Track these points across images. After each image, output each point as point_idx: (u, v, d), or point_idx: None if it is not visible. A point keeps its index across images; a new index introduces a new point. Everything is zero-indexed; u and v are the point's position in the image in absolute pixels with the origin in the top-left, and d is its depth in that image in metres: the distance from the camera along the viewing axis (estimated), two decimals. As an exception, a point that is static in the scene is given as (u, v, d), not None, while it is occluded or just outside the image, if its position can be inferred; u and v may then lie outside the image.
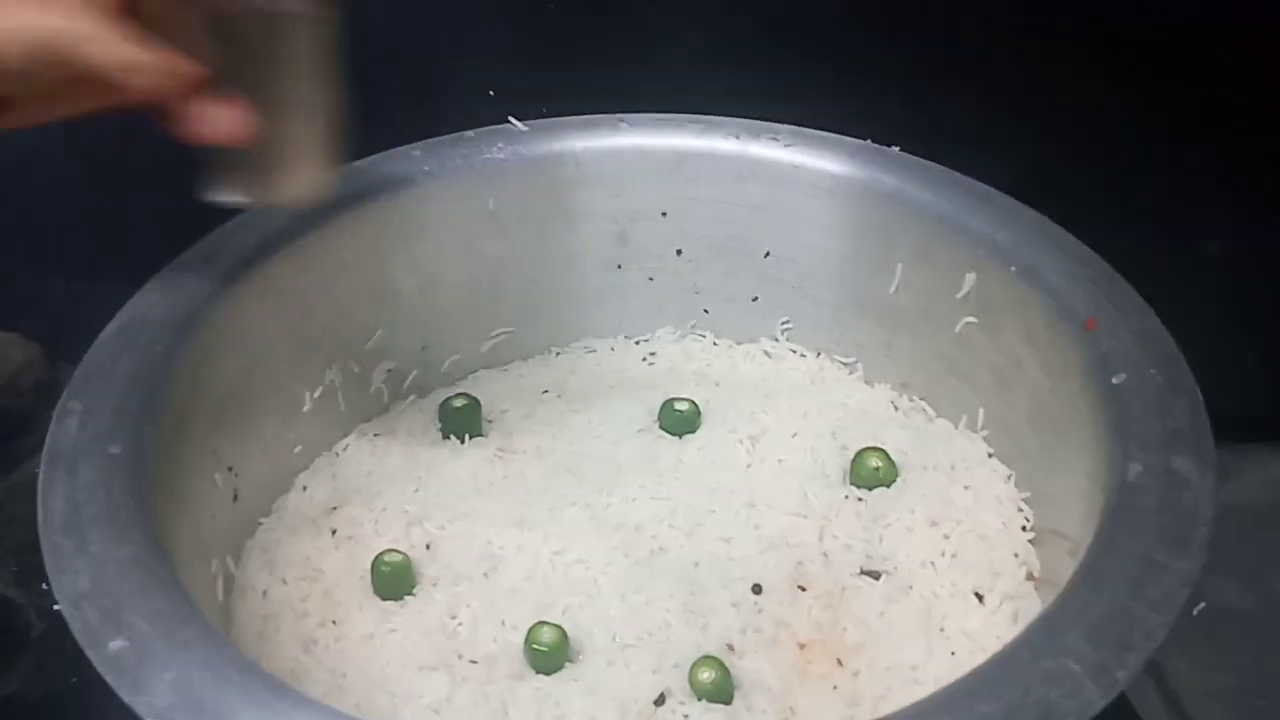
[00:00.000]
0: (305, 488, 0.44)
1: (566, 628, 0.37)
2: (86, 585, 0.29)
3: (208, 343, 0.39)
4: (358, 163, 0.45)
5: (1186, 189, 0.51)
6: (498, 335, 0.49)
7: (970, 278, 0.42)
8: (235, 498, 0.41)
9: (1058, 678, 0.26)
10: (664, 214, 0.48)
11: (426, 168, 0.46)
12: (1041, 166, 0.45)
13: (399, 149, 0.46)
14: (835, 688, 0.36)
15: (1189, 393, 0.34)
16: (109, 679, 0.26)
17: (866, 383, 0.48)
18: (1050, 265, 0.39)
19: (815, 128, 0.47)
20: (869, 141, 0.46)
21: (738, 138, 0.47)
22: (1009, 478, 0.42)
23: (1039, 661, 0.26)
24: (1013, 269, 0.40)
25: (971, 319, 0.43)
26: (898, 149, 0.45)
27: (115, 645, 0.27)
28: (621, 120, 0.48)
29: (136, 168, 0.57)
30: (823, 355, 0.49)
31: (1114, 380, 0.35)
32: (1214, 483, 0.30)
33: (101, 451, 0.33)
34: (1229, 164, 0.50)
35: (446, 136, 0.47)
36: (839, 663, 0.37)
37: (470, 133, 0.47)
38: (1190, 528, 0.30)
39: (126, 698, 0.26)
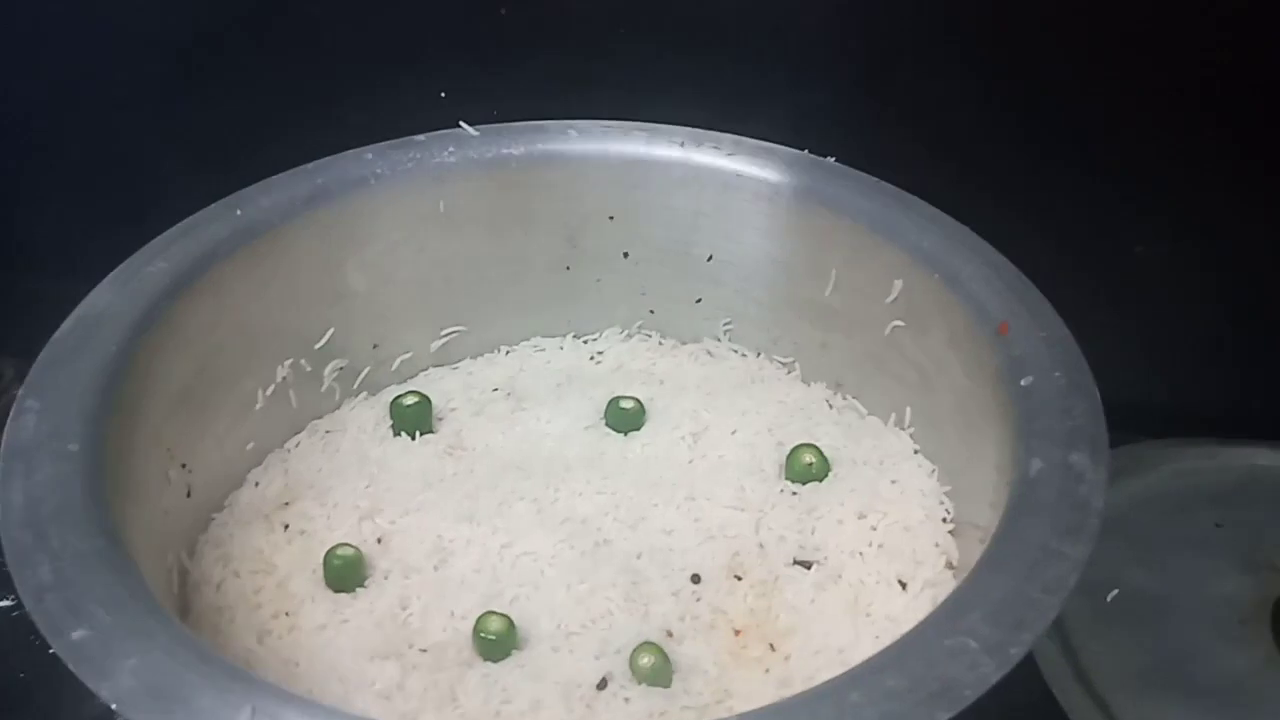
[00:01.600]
0: (257, 483, 0.45)
1: (513, 616, 0.39)
2: (48, 578, 0.30)
3: (161, 340, 0.39)
4: (309, 165, 0.46)
5: (1104, 196, 0.54)
6: (448, 334, 0.51)
7: (899, 284, 0.45)
8: (189, 493, 0.42)
9: (958, 654, 0.28)
10: (611, 218, 0.50)
11: (378, 170, 0.47)
12: (969, 176, 0.48)
13: (351, 151, 0.47)
14: (768, 670, 0.39)
15: (1089, 394, 0.36)
16: (72, 667, 0.27)
17: (803, 381, 0.50)
18: (971, 273, 0.42)
19: (756, 137, 0.49)
20: (806, 152, 0.48)
21: (682, 145, 0.49)
22: (932, 472, 0.45)
23: (943, 639, 0.29)
24: (937, 276, 0.43)
25: (900, 322, 0.45)
26: (834, 159, 0.48)
27: (78, 634, 0.28)
28: (570, 127, 0.49)
29: (83, 158, 0.58)
30: (762, 355, 0.51)
31: (1022, 382, 0.37)
32: (1106, 477, 0.33)
33: (59, 448, 0.33)
34: (1146, 173, 0.53)
35: (398, 140, 0.48)
36: (771, 647, 0.39)
37: (421, 136, 0.48)
38: (1083, 518, 0.32)
39: (90, 684, 0.27)
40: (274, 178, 0.46)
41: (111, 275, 0.40)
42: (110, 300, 0.39)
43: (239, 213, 0.44)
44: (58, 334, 0.38)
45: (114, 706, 0.26)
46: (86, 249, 0.41)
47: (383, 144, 0.48)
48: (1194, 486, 0.54)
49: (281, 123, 0.53)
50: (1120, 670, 0.46)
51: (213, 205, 0.44)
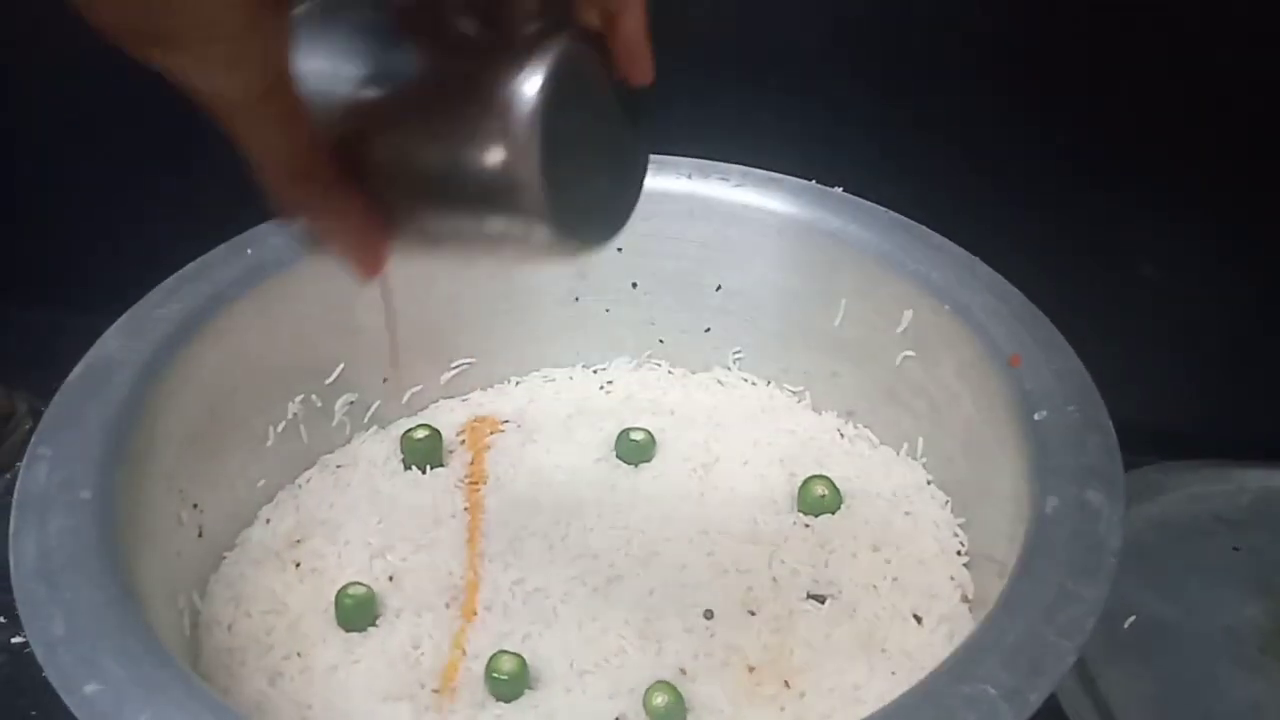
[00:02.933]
0: (269, 521, 0.45)
1: (526, 655, 0.39)
2: (60, 630, 0.30)
3: (171, 385, 0.40)
4: (320, 203, 0.46)
5: (1114, 217, 0.53)
6: (458, 366, 0.51)
7: (908, 314, 0.44)
8: (200, 534, 0.42)
9: (976, 701, 0.28)
10: (620, 249, 0.50)
11: (387, 206, 0.47)
12: (976, 206, 0.48)
13: (360, 188, 0.47)
14: (783, 709, 0.38)
15: (1103, 430, 0.36)
16: (85, 722, 0.28)
17: (814, 410, 0.50)
18: (980, 304, 0.42)
19: (763, 168, 0.49)
20: (814, 182, 0.48)
21: (689, 177, 0.49)
22: (946, 504, 0.45)
23: (959, 686, 0.28)
24: (946, 307, 0.43)
25: (910, 352, 0.45)
26: (841, 190, 0.48)
27: (90, 689, 0.28)
28: (577, 159, 0.49)
29: (103, 193, 0.58)
30: (773, 384, 0.51)
31: (1036, 416, 0.37)
32: (1123, 514, 0.33)
33: (71, 497, 0.34)
34: (1158, 197, 0.53)
35: (408, 177, 0.48)
36: (786, 684, 0.39)
37: (431, 173, 0.48)
38: (1099, 558, 0.32)
39: (102, 741, 0.27)
40: (284, 216, 0.46)
41: (122, 319, 0.40)
42: (120, 345, 0.39)
43: (249, 252, 0.44)
44: (69, 380, 0.38)
45: (127, 765, 0.26)
46: (104, 283, 0.41)
47: (392, 180, 0.48)
48: (1209, 510, 0.53)
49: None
50: (1138, 699, 0.46)
51: (223, 245, 0.44)
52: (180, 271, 0.43)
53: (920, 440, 0.46)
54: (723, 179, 0.48)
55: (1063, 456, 0.35)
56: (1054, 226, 0.53)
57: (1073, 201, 0.53)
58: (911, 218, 0.46)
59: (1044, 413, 0.37)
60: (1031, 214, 0.52)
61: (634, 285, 0.51)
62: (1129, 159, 0.52)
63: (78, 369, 0.38)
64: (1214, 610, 0.49)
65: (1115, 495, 0.33)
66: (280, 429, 0.46)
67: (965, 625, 0.40)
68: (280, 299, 0.44)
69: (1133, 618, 0.48)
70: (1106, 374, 0.38)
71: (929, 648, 0.40)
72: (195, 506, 0.41)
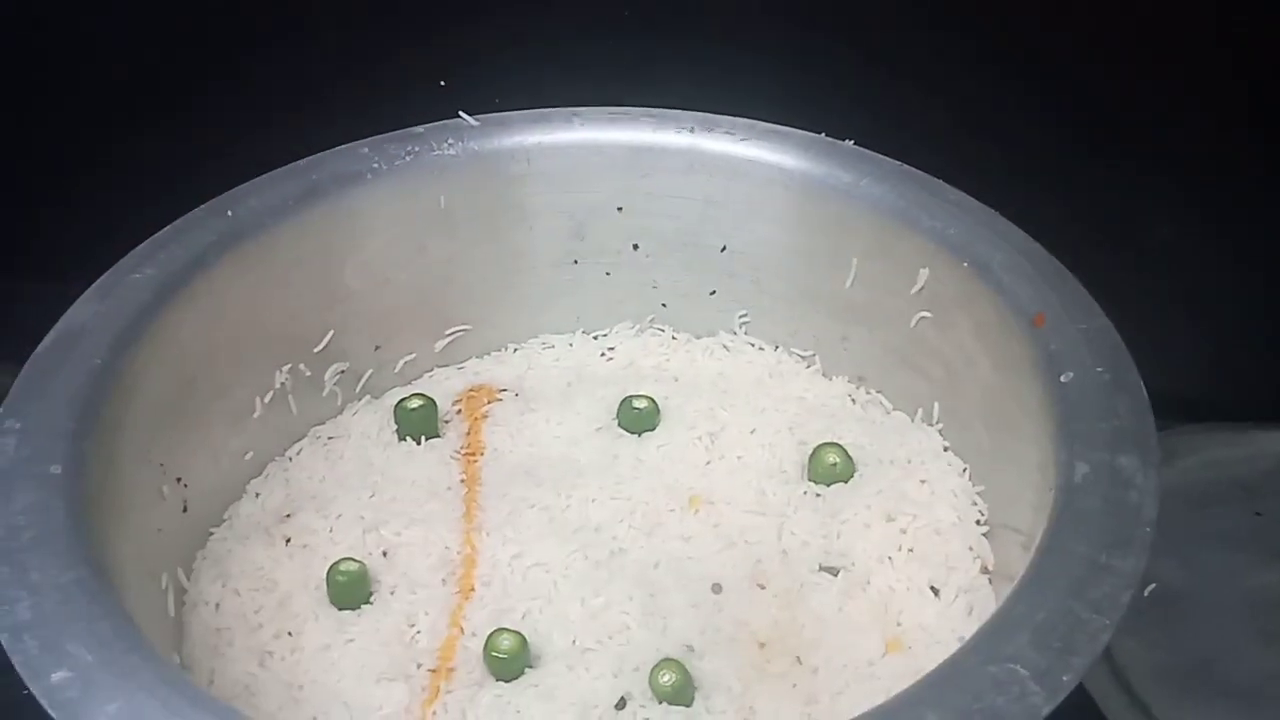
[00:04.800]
0: (257, 495, 0.43)
1: (526, 633, 0.37)
2: (27, 615, 0.28)
3: (148, 353, 0.38)
4: (301, 161, 0.44)
5: (1130, 175, 0.51)
6: (453, 333, 0.49)
7: (924, 273, 0.42)
8: (185, 509, 0.40)
9: (1005, 683, 0.26)
10: (619, 209, 0.48)
11: (375, 165, 0.45)
12: (990, 159, 0.46)
13: (346, 146, 0.45)
14: (794, 686, 0.37)
15: (1135, 392, 0.34)
16: (52, 712, 0.26)
17: (824, 375, 0.48)
18: (1001, 261, 0.40)
19: (770, 120, 0.46)
20: (823, 135, 0.46)
21: (691, 131, 0.47)
22: (964, 471, 0.43)
23: (987, 666, 0.27)
24: (965, 265, 0.41)
25: (925, 314, 0.43)
26: (852, 143, 0.45)
27: (58, 676, 0.26)
28: (575, 115, 0.47)
29: (70, 157, 0.56)
30: (780, 348, 0.49)
31: (1062, 378, 0.35)
32: (1157, 482, 0.31)
33: (40, 472, 0.32)
34: (1174, 152, 0.51)
35: (395, 132, 0.46)
36: (798, 660, 0.37)
37: (420, 128, 0.46)
38: (1134, 528, 0.30)
39: (70, 732, 0.25)
40: (265, 176, 0.44)
41: (95, 285, 0.38)
42: (93, 312, 0.37)
43: (229, 214, 0.42)
44: (39, 350, 0.36)
45: (96, 758, 0.25)
46: (73, 251, 0.39)
47: (379, 137, 0.46)
48: (1228, 475, 0.52)
49: (271, 117, 0.51)
50: (1155, 668, 0.45)
51: (201, 207, 0.42)
52: (155, 235, 0.41)
53: (936, 406, 0.44)
54: (727, 133, 0.46)
55: (1092, 420, 0.33)
56: (1066, 187, 0.51)
57: (1086, 162, 0.51)
58: (921, 175, 0.44)
59: (1070, 374, 0.35)
60: (1044, 175, 0.51)
61: (635, 247, 0.49)
62: (1143, 118, 0.50)
63: (48, 338, 0.36)
64: (1233, 578, 0.48)
65: (1149, 460, 0.31)
66: (268, 399, 0.44)
67: (985, 598, 0.39)
68: (262, 263, 0.42)
69: (1152, 585, 0.47)
70: (1122, 338, 0.36)
71: (947, 621, 0.38)
72: (179, 481, 0.40)
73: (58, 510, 0.31)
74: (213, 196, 0.43)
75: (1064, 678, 0.26)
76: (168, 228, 0.41)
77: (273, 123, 0.50)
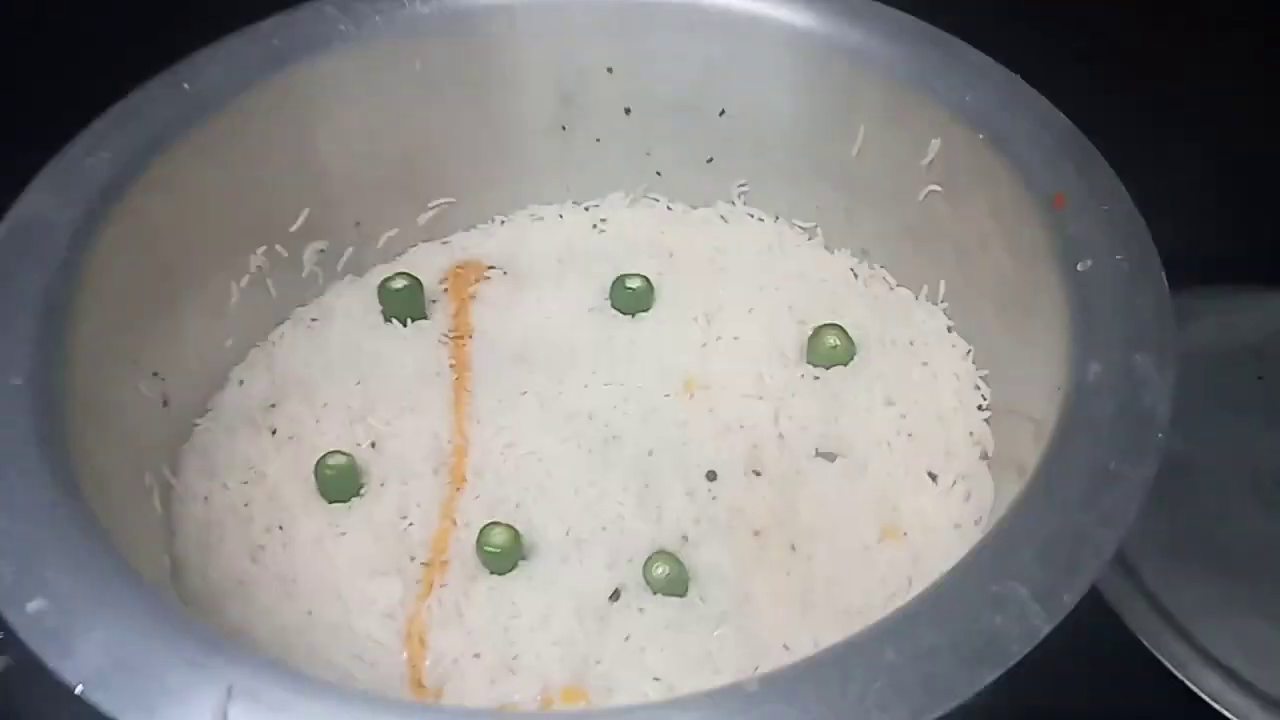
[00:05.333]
0: (241, 382, 0.42)
1: (519, 524, 0.37)
2: None
3: (112, 243, 0.36)
4: (262, 24, 0.41)
5: (1150, 36, 0.48)
6: (436, 206, 0.47)
7: (935, 144, 0.40)
8: (165, 403, 0.39)
9: (1004, 602, 0.26)
10: (610, 70, 0.45)
11: (342, 27, 0.41)
12: (1000, 18, 0.42)
13: (308, 5, 0.42)
14: (789, 574, 0.37)
15: (1156, 284, 0.32)
16: (30, 643, 0.25)
17: (826, 249, 0.46)
18: (1022, 134, 0.37)
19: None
20: (834, -15, 0.42)
21: (689, -17, 0.42)
22: (968, 353, 0.41)
23: (988, 585, 0.26)
24: (981, 136, 0.38)
25: (936, 187, 0.41)
26: (865, -8, 0.41)
27: (34, 606, 0.26)
28: (560, -35, 0.43)
29: None
30: (781, 220, 0.47)
31: (1079, 266, 0.33)
32: (1172, 384, 0.29)
33: (1, 384, 0.30)
34: (1195, 17, 0.47)
35: (363, -11, 0.42)
36: (793, 548, 0.37)
37: (390, -16, 0.42)
38: (1146, 434, 0.29)
39: (51, 663, 0.25)
40: (222, 41, 0.40)
41: (45, 172, 0.36)
42: (47, 202, 0.35)
43: (186, 86, 0.39)
44: (-9, 245, 0.34)
45: (78, 690, 0.24)
46: (5, 131, 0.36)
47: (345, -6, 0.42)
48: (1238, 338, 0.51)
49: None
50: (1153, 536, 0.45)
51: (154, 80, 0.39)
52: (107, 112, 0.38)
53: (942, 284, 0.42)
54: (728, -15, 0.42)
55: (1107, 313, 0.32)
56: (1085, 44, 0.47)
57: (1108, 19, 0.47)
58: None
59: (1089, 262, 0.33)
60: (1064, 31, 0.46)
61: (627, 111, 0.46)
62: None
63: (0, 231, 0.34)
64: (1234, 443, 0.47)
65: (1165, 361, 0.30)
66: (244, 284, 0.42)
67: (983, 484, 0.38)
68: (228, 139, 0.40)
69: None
70: (1140, 199, 0.34)
71: (944, 508, 0.38)
72: (155, 374, 0.38)
73: (22, 424, 0.29)
74: (162, 65, 0.39)
75: (1065, 597, 0.25)
76: (121, 103, 0.38)
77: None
